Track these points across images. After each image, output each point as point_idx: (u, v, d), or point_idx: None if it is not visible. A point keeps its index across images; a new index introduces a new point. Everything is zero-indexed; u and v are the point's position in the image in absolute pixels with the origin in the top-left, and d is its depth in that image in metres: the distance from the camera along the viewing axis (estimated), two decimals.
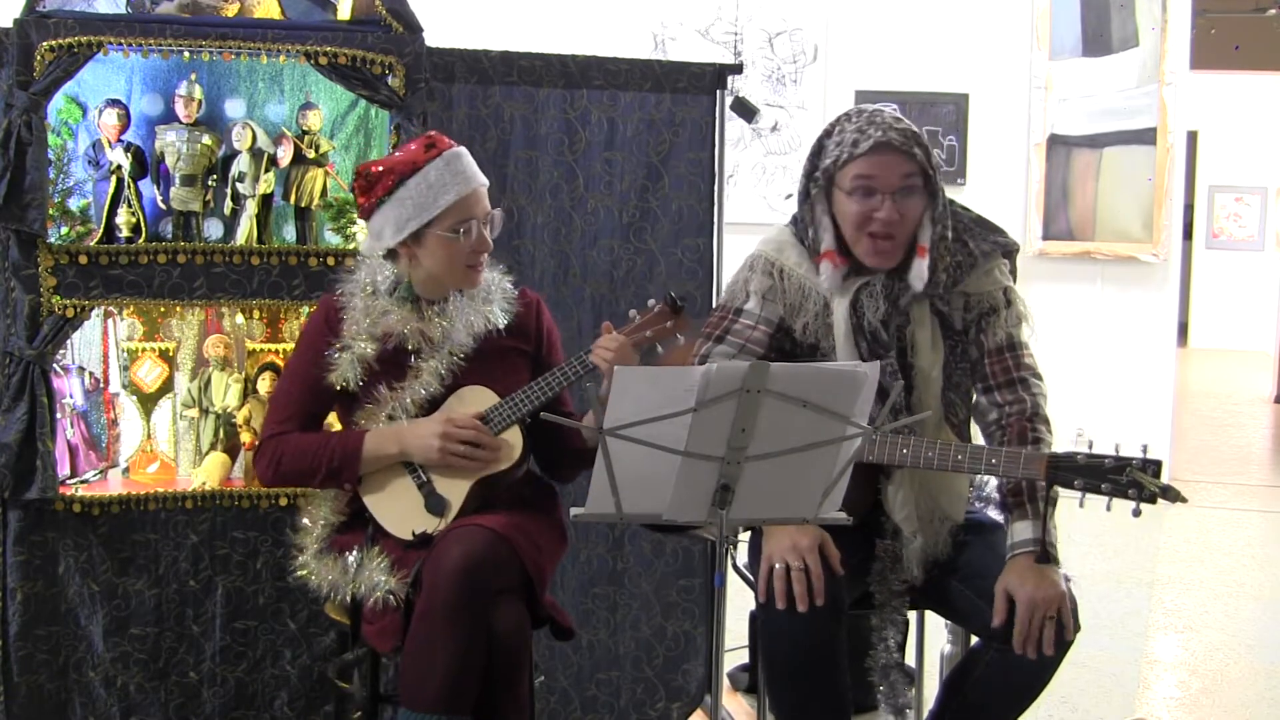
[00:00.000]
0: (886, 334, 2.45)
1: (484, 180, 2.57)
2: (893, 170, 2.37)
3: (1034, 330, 2.56)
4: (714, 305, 3.26)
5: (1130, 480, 2.18)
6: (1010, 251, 2.56)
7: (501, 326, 2.58)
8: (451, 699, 2.31)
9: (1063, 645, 2.34)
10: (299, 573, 2.56)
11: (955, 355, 2.52)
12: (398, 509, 2.52)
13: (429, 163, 2.50)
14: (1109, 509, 2.23)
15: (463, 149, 2.56)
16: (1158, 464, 2.20)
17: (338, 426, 2.71)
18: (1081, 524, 5.56)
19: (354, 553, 2.47)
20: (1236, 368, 12.33)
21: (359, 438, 2.52)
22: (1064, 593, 2.33)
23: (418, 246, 2.53)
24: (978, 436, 2.64)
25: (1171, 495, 2.16)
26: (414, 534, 2.46)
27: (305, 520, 2.61)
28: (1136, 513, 2.19)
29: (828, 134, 2.46)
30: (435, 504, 2.49)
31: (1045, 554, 2.30)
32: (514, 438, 2.52)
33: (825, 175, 2.43)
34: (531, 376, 2.57)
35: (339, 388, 2.54)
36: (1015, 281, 2.59)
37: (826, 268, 2.45)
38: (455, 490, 2.50)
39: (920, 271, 2.42)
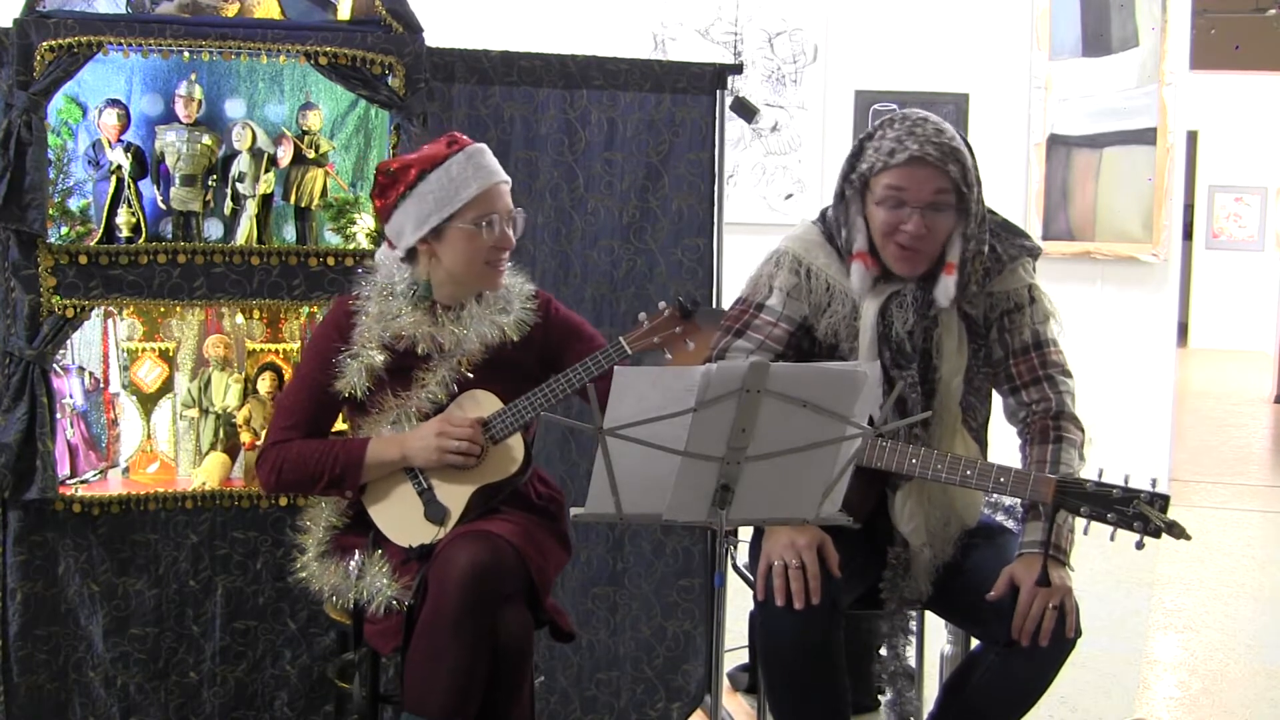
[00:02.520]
0: (911, 345, 2.44)
1: (506, 178, 2.55)
2: (924, 185, 2.35)
3: (1062, 326, 2.54)
4: (714, 304, 3.26)
5: (1136, 513, 2.18)
6: (1033, 253, 2.54)
7: (516, 338, 2.55)
8: (456, 706, 2.31)
9: (1063, 644, 2.34)
10: (300, 574, 2.56)
11: (978, 359, 2.51)
12: (398, 516, 2.51)
13: (451, 157, 2.49)
14: (1113, 539, 2.23)
15: (484, 146, 2.54)
16: (1165, 498, 2.19)
17: (339, 426, 2.71)
18: (1081, 524, 5.55)
19: (356, 557, 2.47)
20: (1236, 368, 12.34)
21: (362, 445, 2.51)
22: (1070, 588, 2.32)
23: (438, 242, 2.50)
24: (994, 441, 2.63)
25: (1177, 532, 2.16)
26: (411, 546, 2.46)
27: (307, 522, 2.60)
28: (1140, 545, 2.19)
29: (869, 137, 2.43)
30: (435, 512, 2.48)
31: (1050, 558, 2.30)
32: (516, 446, 2.51)
33: (860, 179, 2.41)
34: (543, 381, 2.53)
35: (345, 395, 2.54)
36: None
37: (858, 269, 2.43)
38: (455, 498, 2.49)
39: (947, 289, 2.40)
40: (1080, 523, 2.27)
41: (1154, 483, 2.22)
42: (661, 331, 2.49)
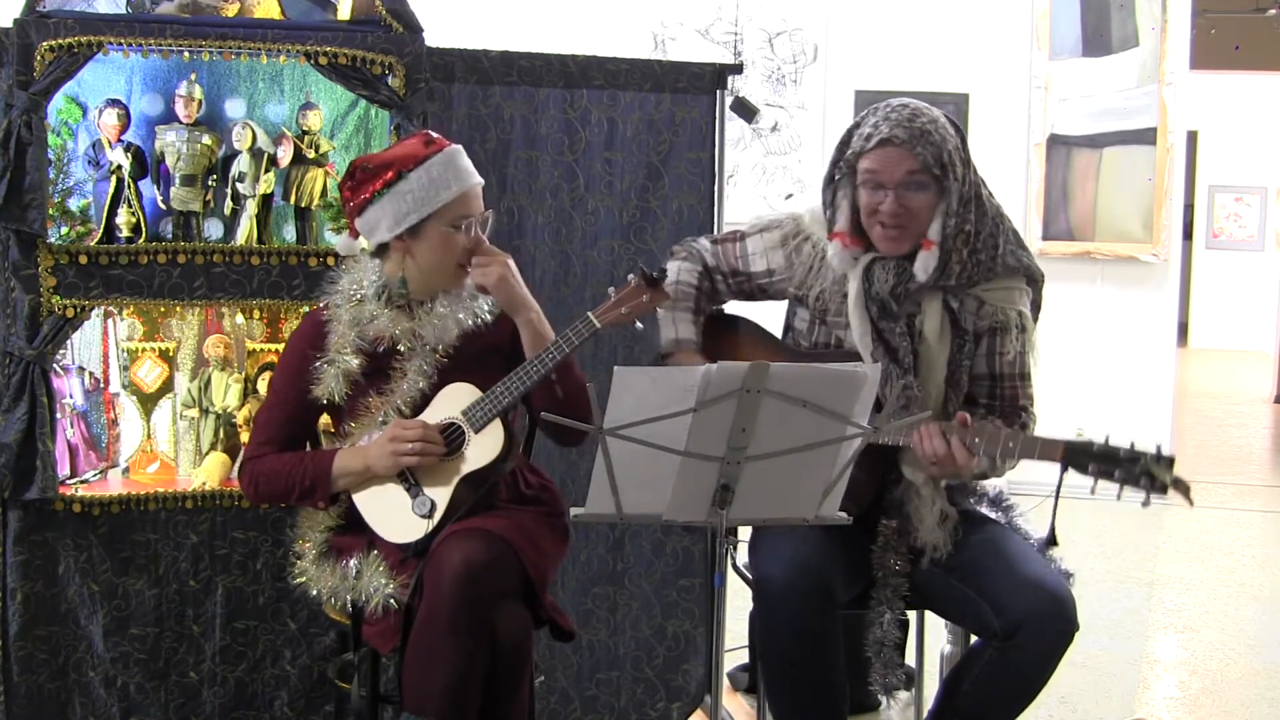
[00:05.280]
0: (896, 305, 2.51)
1: (480, 179, 2.58)
2: (895, 166, 2.45)
3: (1039, 364, 2.62)
4: None
5: (1143, 470, 2.24)
6: (1034, 278, 2.60)
7: (490, 320, 2.58)
8: (455, 705, 2.31)
9: (1061, 637, 2.37)
10: (298, 579, 2.57)
11: (961, 353, 2.55)
12: (387, 512, 2.52)
13: (430, 157, 2.50)
14: (1119, 498, 2.27)
15: (460, 147, 2.57)
16: (1171, 458, 2.24)
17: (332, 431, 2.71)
18: (1081, 524, 5.57)
19: (353, 559, 2.48)
20: (1236, 368, 12.34)
21: (329, 457, 2.53)
22: (960, 469, 2.38)
23: (414, 240, 2.52)
24: None
25: (1182, 488, 2.22)
26: (408, 543, 2.47)
27: (303, 525, 2.61)
28: (1145, 503, 2.24)
29: (857, 125, 2.54)
30: (422, 505, 2.49)
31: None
32: (496, 432, 2.52)
33: (848, 164, 2.53)
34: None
35: (325, 401, 2.55)
36: (1040, 310, 2.63)
37: (835, 246, 2.54)
38: (442, 490, 2.50)
39: (925, 264, 2.48)
40: (1084, 490, 2.31)
41: (1159, 447, 2.27)
42: (629, 302, 2.51)
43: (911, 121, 2.46)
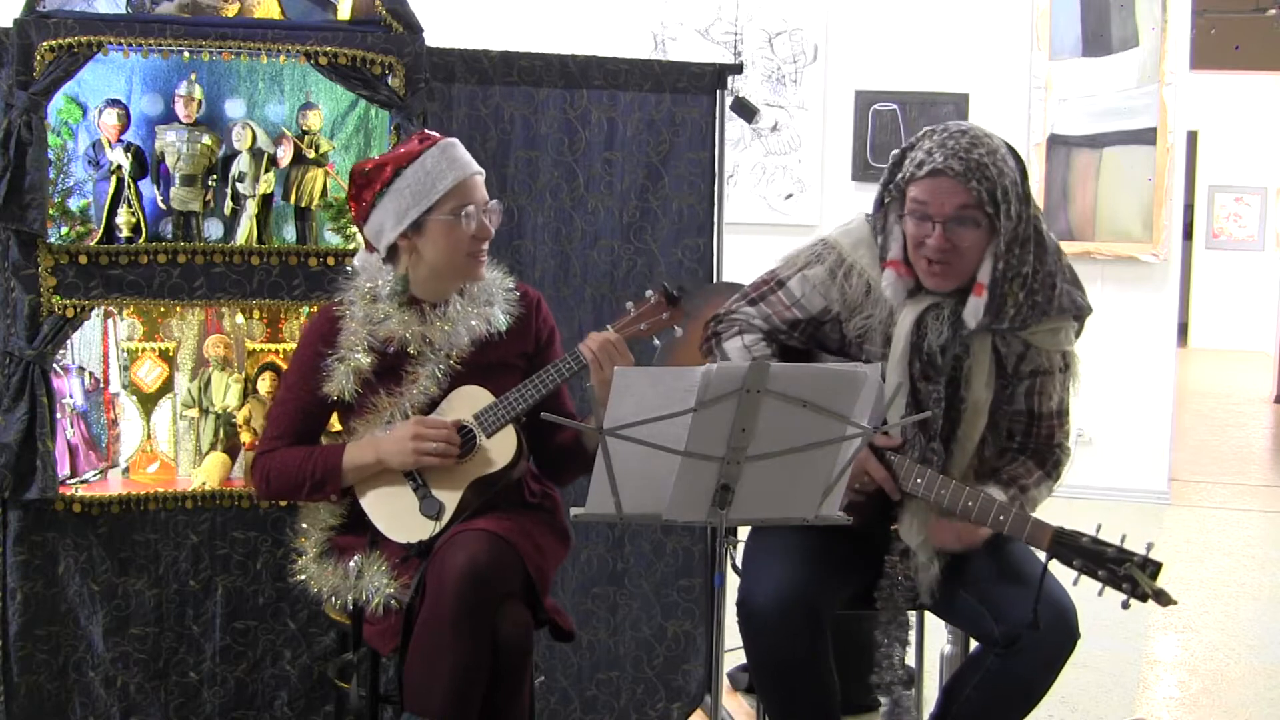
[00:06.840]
0: (942, 360, 2.40)
1: (480, 169, 2.58)
2: (945, 199, 2.30)
3: (1078, 393, 2.53)
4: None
5: (1126, 574, 2.19)
6: (1082, 314, 2.48)
7: (503, 329, 2.57)
8: (456, 706, 2.31)
9: (1063, 645, 2.35)
10: (299, 576, 2.56)
11: (1001, 396, 2.47)
12: (395, 513, 2.52)
13: (425, 151, 2.52)
14: (1100, 594, 2.24)
15: (455, 140, 2.57)
16: (1157, 566, 2.19)
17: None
18: (1080, 523, 5.56)
19: (355, 558, 2.48)
20: (1236, 368, 12.34)
21: (339, 451, 2.53)
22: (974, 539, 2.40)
23: (419, 236, 2.53)
24: None
25: (1164, 600, 2.17)
26: (411, 543, 2.46)
27: (304, 523, 2.61)
28: (1126, 605, 2.20)
29: (911, 146, 2.39)
30: (430, 507, 2.49)
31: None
32: (507, 438, 2.52)
33: (898, 188, 2.39)
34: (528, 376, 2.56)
35: (335, 399, 2.55)
36: (1079, 336, 2.52)
37: (890, 275, 2.40)
38: (450, 493, 2.50)
39: (975, 310, 2.34)
40: (1070, 574, 2.27)
41: (1149, 547, 2.22)
42: (648, 319, 2.51)
43: (969, 152, 2.28)
